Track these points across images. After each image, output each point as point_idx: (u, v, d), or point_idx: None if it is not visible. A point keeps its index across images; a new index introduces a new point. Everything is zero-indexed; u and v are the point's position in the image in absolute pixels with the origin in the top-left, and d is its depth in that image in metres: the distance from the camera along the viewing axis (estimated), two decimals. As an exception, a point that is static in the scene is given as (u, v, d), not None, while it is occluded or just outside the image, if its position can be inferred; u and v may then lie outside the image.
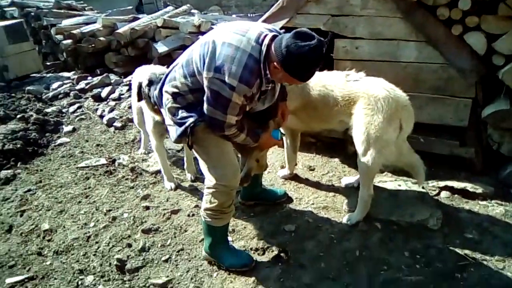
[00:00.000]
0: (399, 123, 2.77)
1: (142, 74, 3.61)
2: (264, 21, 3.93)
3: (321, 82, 3.07)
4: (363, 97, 2.83)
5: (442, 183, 3.35)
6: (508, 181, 3.32)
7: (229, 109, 2.27)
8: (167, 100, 2.51)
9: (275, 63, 2.18)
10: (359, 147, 2.84)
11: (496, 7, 2.97)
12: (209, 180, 2.54)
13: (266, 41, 2.23)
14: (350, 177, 3.55)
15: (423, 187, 3.30)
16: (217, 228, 2.64)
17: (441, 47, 3.33)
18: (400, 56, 3.52)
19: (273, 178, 3.69)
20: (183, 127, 2.43)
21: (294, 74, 2.19)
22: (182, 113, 2.45)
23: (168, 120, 2.57)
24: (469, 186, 3.25)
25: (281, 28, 3.78)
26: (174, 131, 2.52)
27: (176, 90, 2.45)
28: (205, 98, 2.32)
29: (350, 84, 2.95)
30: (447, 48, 3.31)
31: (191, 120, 2.40)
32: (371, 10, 3.51)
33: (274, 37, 2.24)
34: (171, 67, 2.61)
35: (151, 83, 2.93)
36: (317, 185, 3.54)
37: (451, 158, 3.52)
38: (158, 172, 3.82)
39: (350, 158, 3.70)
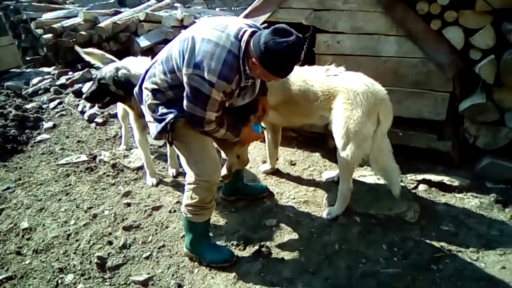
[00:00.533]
0: (377, 117, 2.80)
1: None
2: (247, 15, 3.93)
3: (302, 77, 3.08)
4: (342, 91, 2.86)
5: (420, 177, 3.41)
6: (483, 174, 3.39)
7: (209, 105, 2.28)
8: (147, 96, 2.50)
9: (253, 59, 2.20)
10: (339, 141, 2.87)
11: (474, 2, 3.01)
12: (190, 175, 2.54)
13: (245, 37, 2.24)
14: (330, 171, 3.58)
15: (401, 181, 3.34)
16: (198, 224, 2.65)
17: (420, 41, 3.37)
18: (381, 50, 3.56)
19: (255, 173, 3.70)
20: (163, 123, 2.43)
21: (272, 70, 2.20)
22: (162, 110, 2.45)
23: (148, 116, 2.56)
24: (446, 179, 3.31)
25: (263, 22, 3.82)
26: (154, 128, 2.51)
27: (155, 87, 2.45)
28: (184, 94, 2.32)
29: (330, 79, 2.97)
30: (426, 42, 3.35)
31: (171, 116, 2.41)
32: (353, 4, 3.53)
33: (253, 33, 2.25)
34: (151, 63, 2.60)
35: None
36: (298, 180, 3.57)
37: (429, 152, 3.57)
38: (140, 168, 3.81)
39: (331, 153, 3.73)
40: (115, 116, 4.80)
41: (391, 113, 2.89)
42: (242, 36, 2.25)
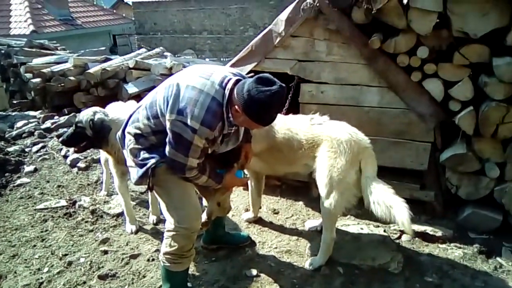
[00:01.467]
0: (359, 165, 2.81)
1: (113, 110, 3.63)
2: (234, 64, 4.01)
3: (286, 125, 3.11)
4: (326, 140, 2.88)
5: (403, 227, 3.37)
6: (466, 224, 3.38)
7: (191, 151, 2.27)
8: (129, 141, 2.49)
9: (236, 107, 2.22)
10: (322, 190, 2.85)
11: (452, 56, 3.12)
12: (170, 222, 2.48)
13: (229, 85, 2.27)
14: (313, 221, 3.53)
15: (384, 230, 3.31)
16: (176, 273, 2.56)
17: (401, 92, 3.45)
18: (363, 101, 3.63)
19: (237, 221, 3.64)
20: (144, 168, 2.41)
21: (254, 118, 2.22)
22: (143, 154, 2.44)
23: (130, 161, 2.54)
24: (429, 229, 3.29)
25: (249, 72, 3.89)
26: (135, 173, 2.49)
27: (138, 132, 2.45)
28: (167, 140, 2.32)
29: (314, 127, 3.00)
30: (407, 93, 3.43)
31: (152, 161, 2.39)
32: (336, 56, 3.63)
33: (237, 81, 2.29)
34: (135, 108, 2.61)
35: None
36: (281, 229, 3.51)
37: (412, 201, 3.55)
38: (120, 214, 3.72)
39: (315, 201, 3.69)
40: (98, 161, 4.75)
41: (374, 161, 2.90)
42: (226, 84, 2.28)
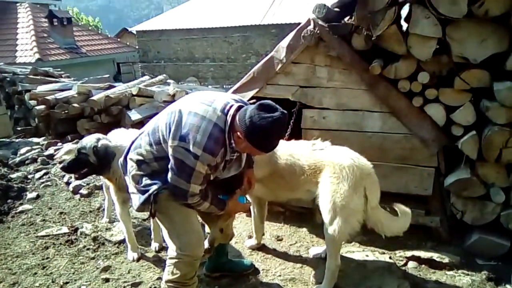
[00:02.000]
0: (363, 191, 2.79)
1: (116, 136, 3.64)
2: (236, 90, 4.04)
3: (288, 151, 3.10)
4: (328, 165, 2.87)
5: (409, 253, 3.33)
6: (473, 250, 3.33)
7: (193, 178, 2.27)
8: (131, 167, 2.50)
9: (238, 133, 2.23)
10: (326, 216, 2.83)
11: (453, 81, 3.14)
12: (172, 249, 2.46)
13: (231, 112, 2.29)
14: (318, 248, 3.49)
15: (390, 257, 3.26)
16: None
17: (403, 118, 3.46)
18: (366, 126, 3.63)
19: (240, 248, 3.59)
20: (146, 195, 2.41)
21: (256, 144, 2.23)
22: (145, 181, 2.44)
23: (132, 188, 2.54)
24: (435, 256, 3.24)
25: (251, 98, 3.92)
26: (137, 199, 2.49)
27: (140, 158, 2.45)
28: (169, 166, 2.32)
29: (316, 153, 3.00)
30: (409, 118, 3.43)
31: (154, 187, 2.39)
32: (337, 82, 3.66)
33: (239, 107, 2.31)
34: (137, 134, 2.63)
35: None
36: (285, 256, 3.45)
37: (417, 227, 3.52)
38: (122, 242, 3.69)
39: (319, 228, 3.64)
40: (100, 188, 4.74)
41: (378, 187, 2.89)
42: (228, 110, 2.30)
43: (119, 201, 3.37)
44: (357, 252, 3.36)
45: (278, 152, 3.10)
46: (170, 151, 2.29)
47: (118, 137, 3.43)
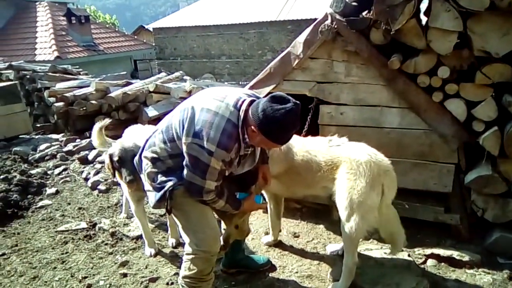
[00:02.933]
0: (381, 188, 2.75)
1: (132, 134, 3.67)
2: (252, 86, 4.03)
3: (305, 147, 3.08)
4: (345, 161, 2.84)
5: (428, 251, 3.27)
6: (494, 249, 3.26)
7: (208, 174, 2.27)
8: (146, 165, 2.51)
9: (252, 127, 2.22)
10: (343, 212, 2.80)
11: (474, 75, 3.07)
12: (189, 245, 2.47)
13: (244, 106, 2.28)
14: (335, 244, 3.46)
15: (409, 255, 3.21)
16: None
17: (423, 113, 3.39)
18: (384, 122, 3.58)
19: (257, 244, 3.58)
20: (161, 192, 2.42)
21: (270, 137, 2.22)
22: (161, 178, 2.45)
23: (147, 185, 2.55)
24: (455, 254, 3.18)
25: (268, 94, 3.90)
26: (153, 196, 2.50)
27: (155, 155, 2.46)
28: (184, 163, 2.32)
29: (333, 149, 2.97)
30: (429, 114, 3.37)
31: (169, 184, 2.40)
32: (355, 77, 3.61)
33: (251, 102, 2.30)
34: (151, 132, 2.63)
35: (121, 160, 3.11)
36: (302, 253, 3.44)
37: (437, 224, 3.47)
38: (139, 237, 3.71)
39: (336, 225, 3.60)
40: (118, 183, 4.77)
41: (395, 184, 2.85)
42: (241, 105, 2.29)
43: (133, 199, 3.38)
44: (375, 250, 3.32)
45: (295, 148, 3.08)
46: (184, 148, 2.30)
47: (133, 135, 3.44)
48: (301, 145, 3.10)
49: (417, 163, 3.48)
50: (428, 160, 3.45)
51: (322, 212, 3.92)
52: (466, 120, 3.22)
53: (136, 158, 2.67)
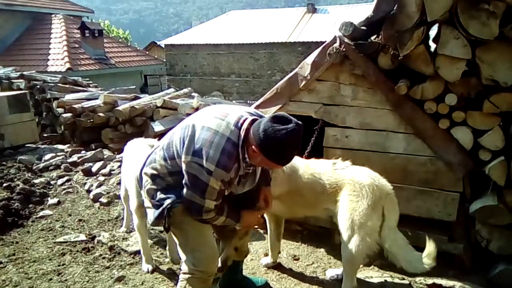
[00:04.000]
0: (382, 211, 2.75)
1: (134, 147, 3.70)
2: (259, 106, 4.03)
3: (309, 169, 3.08)
4: (349, 183, 2.86)
5: (430, 280, 3.20)
6: (498, 281, 3.17)
7: (207, 193, 2.25)
8: (146, 181, 2.50)
9: (253, 147, 2.19)
10: (344, 233, 2.80)
11: (482, 103, 3.05)
12: (186, 264, 2.44)
13: (245, 125, 2.26)
14: (335, 269, 3.39)
15: (410, 284, 3.15)
16: None
17: (428, 140, 3.37)
18: (389, 147, 3.56)
19: (255, 265, 3.52)
20: (160, 209, 2.39)
21: (272, 158, 2.19)
22: (160, 195, 2.43)
23: (147, 202, 2.54)
24: (458, 285, 3.10)
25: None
26: (151, 214, 2.48)
27: (155, 172, 2.45)
28: (183, 181, 2.30)
29: (337, 172, 2.97)
30: (434, 141, 3.34)
31: (168, 201, 2.37)
32: (361, 101, 3.60)
33: (253, 121, 2.28)
34: (152, 149, 2.63)
35: None
36: (301, 276, 3.37)
37: (440, 254, 3.38)
38: (138, 252, 3.67)
39: (337, 249, 3.54)
40: (119, 197, 4.77)
41: (397, 207, 2.86)
42: (242, 124, 2.27)
43: (139, 214, 3.36)
44: (376, 277, 3.26)
45: (299, 170, 3.07)
46: (183, 166, 2.27)
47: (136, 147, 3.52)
48: (305, 167, 3.09)
49: (422, 190, 3.44)
50: (432, 188, 3.41)
51: (323, 235, 3.87)
52: (473, 149, 3.18)
53: (137, 174, 2.66)
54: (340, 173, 2.95)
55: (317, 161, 3.18)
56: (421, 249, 3.35)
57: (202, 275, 2.40)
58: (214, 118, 2.30)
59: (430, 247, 2.80)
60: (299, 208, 3.17)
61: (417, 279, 3.24)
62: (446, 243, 3.35)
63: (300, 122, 2.16)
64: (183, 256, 2.48)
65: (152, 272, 3.41)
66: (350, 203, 2.78)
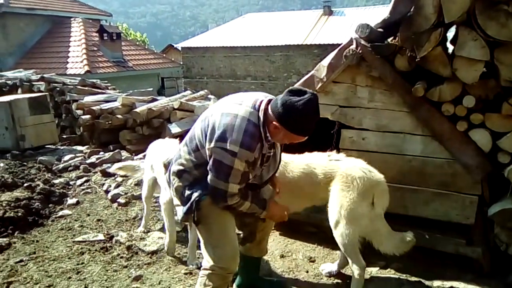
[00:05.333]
0: (372, 198, 2.95)
1: (157, 148, 3.87)
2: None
3: (304, 162, 3.23)
4: (341, 174, 3.01)
5: (447, 284, 3.17)
6: (517, 286, 3.13)
7: (231, 176, 2.31)
8: (173, 180, 2.58)
9: (274, 123, 2.27)
10: (332, 218, 3.00)
11: (500, 105, 3.02)
12: (207, 261, 2.51)
13: (262, 106, 2.35)
14: (329, 264, 3.46)
15: (427, 287, 3.12)
16: None
17: (446, 142, 3.33)
18: (406, 149, 3.53)
19: (272, 266, 3.53)
20: (188, 204, 2.47)
21: (294, 129, 2.26)
22: (187, 191, 2.50)
23: (176, 200, 2.63)
24: (476, 290, 3.07)
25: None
26: (180, 210, 2.57)
27: (181, 168, 2.53)
28: (208, 168, 2.37)
29: (332, 163, 3.14)
30: (452, 143, 3.31)
31: (195, 195, 2.46)
32: (378, 103, 3.59)
33: (269, 101, 2.37)
34: (178, 148, 2.70)
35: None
36: (317, 278, 3.37)
37: (458, 257, 3.37)
38: (155, 252, 3.73)
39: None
40: (137, 197, 4.84)
41: (387, 196, 3.00)
42: (259, 105, 2.36)
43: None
44: (393, 280, 3.24)
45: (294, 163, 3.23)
46: (208, 153, 2.34)
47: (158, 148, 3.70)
48: (300, 160, 3.25)
49: (439, 193, 3.40)
50: (450, 190, 3.37)
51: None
52: (491, 151, 3.15)
53: (166, 174, 2.73)
54: (334, 164, 3.12)
55: (312, 154, 3.31)
56: (438, 252, 3.34)
57: (222, 272, 2.46)
58: (232, 104, 2.39)
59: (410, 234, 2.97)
60: (298, 199, 3.26)
61: (435, 282, 3.21)
62: (464, 247, 3.32)
63: (314, 92, 2.28)
64: (204, 252, 2.54)
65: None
66: (341, 192, 2.96)
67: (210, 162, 2.34)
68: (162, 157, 3.33)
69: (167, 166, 2.80)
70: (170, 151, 3.48)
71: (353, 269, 2.92)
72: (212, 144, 2.29)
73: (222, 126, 2.28)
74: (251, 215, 2.62)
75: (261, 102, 2.36)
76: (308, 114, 2.22)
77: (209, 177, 2.37)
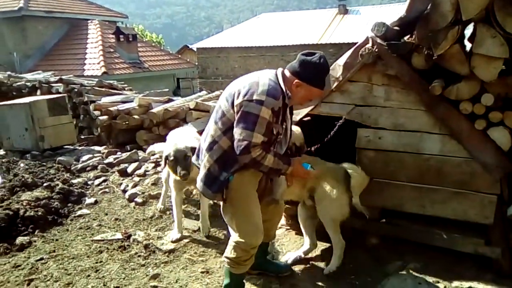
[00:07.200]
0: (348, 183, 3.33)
1: (176, 136, 4.23)
2: (290, 107, 4.05)
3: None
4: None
5: (466, 284, 3.13)
6: (538, 287, 3.08)
7: (257, 126, 2.48)
8: (204, 156, 2.78)
9: (294, 82, 2.61)
10: (318, 200, 3.33)
11: (520, 104, 2.97)
12: (233, 234, 2.78)
13: (279, 74, 2.68)
14: (292, 252, 3.62)
15: (445, 287, 3.09)
16: (234, 275, 2.86)
17: (464, 141, 3.29)
18: (423, 148, 3.48)
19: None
20: (218, 182, 2.67)
21: (314, 81, 2.62)
22: (215, 168, 2.70)
23: (203, 176, 2.80)
24: (495, 290, 3.03)
25: (306, 115, 3.91)
26: (207, 187, 2.76)
27: (211, 140, 2.73)
28: (234, 123, 2.55)
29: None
30: (470, 142, 3.26)
31: (224, 174, 2.67)
32: (394, 101, 3.55)
33: (282, 70, 2.71)
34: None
35: (176, 159, 3.62)
36: (337, 277, 3.35)
37: (477, 257, 3.32)
38: (172, 251, 3.77)
39: (371, 251, 3.56)
40: (154, 197, 4.90)
41: (361, 180, 3.42)
42: (276, 75, 2.68)
43: (177, 188, 3.97)
44: (410, 280, 3.21)
45: None
46: (236, 110, 2.55)
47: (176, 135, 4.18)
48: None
49: (457, 192, 3.36)
50: (469, 190, 3.32)
51: (356, 237, 3.83)
52: (510, 150, 3.10)
53: (194, 157, 3.01)
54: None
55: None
56: (457, 252, 3.31)
57: (245, 246, 2.71)
58: (252, 75, 2.70)
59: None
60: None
61: (453, 282, 3.18)
62: (482, 246, 3.27)
63: (322, 53, 2.67)
64: (231, 227, 2.82)
65: (179, 240, 3.93)
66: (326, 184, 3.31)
67: (237, 117, 2.53)
68: (180, 144, 3.67)
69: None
70: (189, 138, 3.94)
71: (335, 244, 3.34)
72: (240, 99, 2.53)
73: (248, 85, 2.57)
74: (277, 173, 2.76)
75: (276, 72, 2.69)
76: (324, 67, 2.64)
77: (234, 130, 2.54)
